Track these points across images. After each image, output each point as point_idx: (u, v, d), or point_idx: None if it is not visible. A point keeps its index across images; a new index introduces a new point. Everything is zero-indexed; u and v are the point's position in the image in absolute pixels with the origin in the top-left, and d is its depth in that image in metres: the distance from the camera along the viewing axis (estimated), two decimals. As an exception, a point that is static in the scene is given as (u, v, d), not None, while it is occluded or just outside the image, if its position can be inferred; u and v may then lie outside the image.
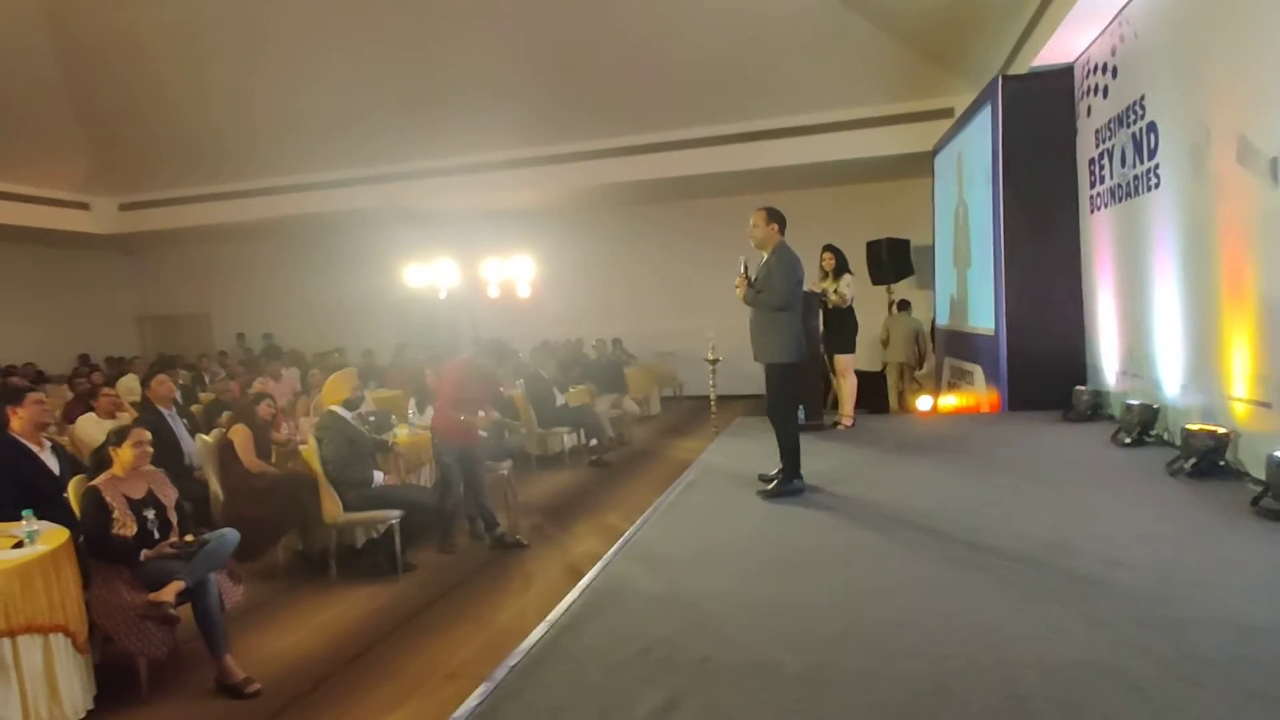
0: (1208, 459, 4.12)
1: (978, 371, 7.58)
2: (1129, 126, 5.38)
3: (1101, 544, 3.20)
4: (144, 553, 3.33)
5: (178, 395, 5.77)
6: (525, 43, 9.42)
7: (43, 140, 11.16)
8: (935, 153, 9.46)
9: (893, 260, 10.52)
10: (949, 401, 8.94)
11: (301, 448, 5.16)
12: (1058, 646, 2.33)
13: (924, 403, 8.86)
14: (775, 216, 4.54)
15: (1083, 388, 6.22)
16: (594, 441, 7.62)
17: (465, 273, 12.03)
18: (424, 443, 5.51)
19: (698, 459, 5.53)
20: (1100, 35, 5.86)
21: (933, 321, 10.39)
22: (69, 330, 14.23)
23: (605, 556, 3.45)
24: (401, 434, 5.51)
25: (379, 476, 4.74)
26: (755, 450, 5.76)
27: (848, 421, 6.51)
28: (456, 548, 5.09)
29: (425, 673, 3.45)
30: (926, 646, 2.38)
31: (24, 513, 3.00)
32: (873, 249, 10.48)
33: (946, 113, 9.80)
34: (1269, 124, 3.76)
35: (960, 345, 8.21)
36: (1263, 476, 3.80)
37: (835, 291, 6.37)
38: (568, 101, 10.40)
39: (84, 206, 12.89)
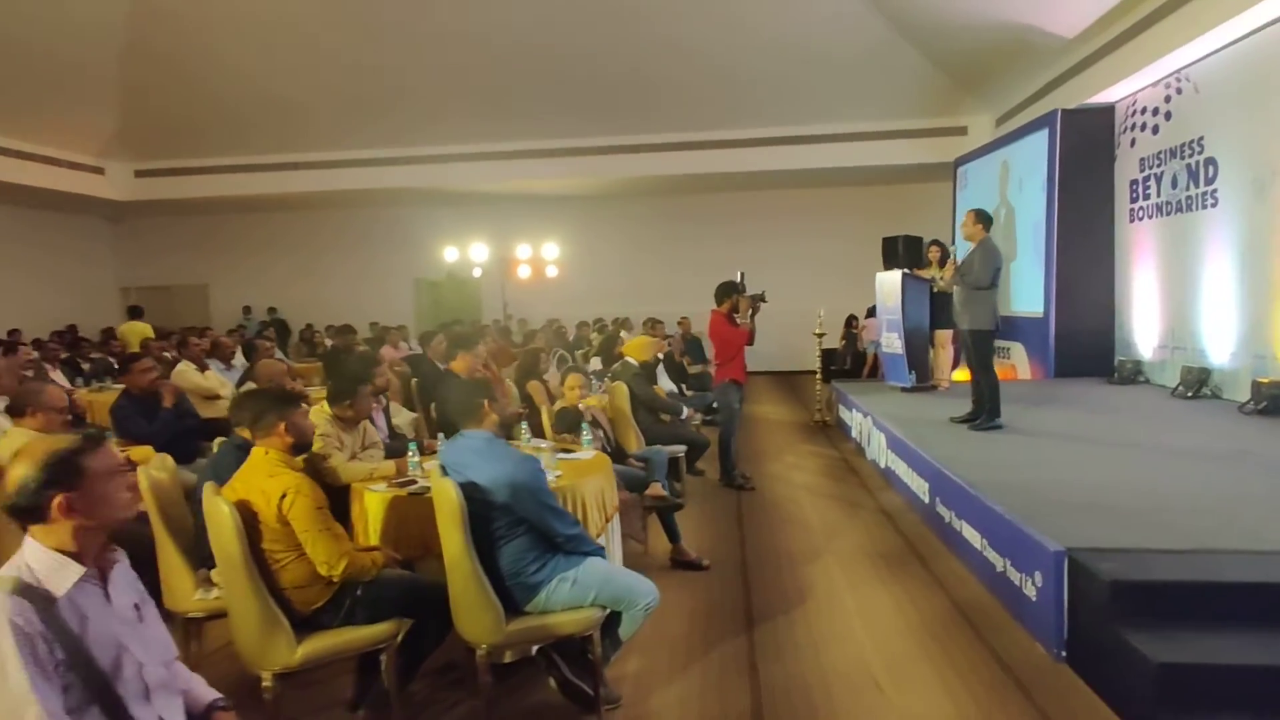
0: (1275, 402, 5.85)
1: (1017, 348, 9.31)
2: (1183, 158, 7.13)
3: (1266, 451, 4.76)
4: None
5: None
6: (587, 38, 9.91)
7: (76, 103, 10.80)
8: (958, 163, 11.16)
9: (908, 254, 12.23)
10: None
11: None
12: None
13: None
14: (981, 218, 5.86)
15: (1124, 358, 8.02)
16: (714, 404, 8.74)
17: (495, 253, 12.74)
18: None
19: (875, 411, 6.75)
20: (1149, 86, 7.60)
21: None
22: (42, 299, 13.49)
23: (941, 470, 4.63)
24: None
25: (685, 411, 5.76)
26: (899, 401, 7.19)
27: (945, 384, 8.02)
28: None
29: (816, 552, 4.51)
30: (1262, 507, 3.78)
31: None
32: (888, 244, 12.08)
33: (960, 130, 11.56)
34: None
35: (993, 326, 9.93)
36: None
37: (941, 278, 7.81)
38: (621, 97, 11.14)
39: (99, 171, 12.45)
